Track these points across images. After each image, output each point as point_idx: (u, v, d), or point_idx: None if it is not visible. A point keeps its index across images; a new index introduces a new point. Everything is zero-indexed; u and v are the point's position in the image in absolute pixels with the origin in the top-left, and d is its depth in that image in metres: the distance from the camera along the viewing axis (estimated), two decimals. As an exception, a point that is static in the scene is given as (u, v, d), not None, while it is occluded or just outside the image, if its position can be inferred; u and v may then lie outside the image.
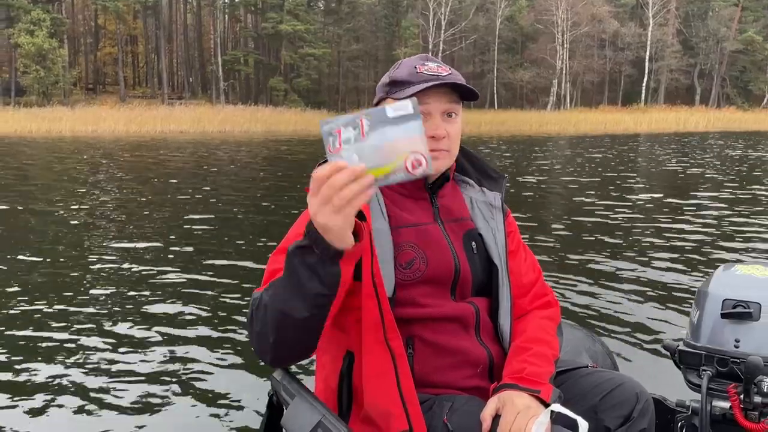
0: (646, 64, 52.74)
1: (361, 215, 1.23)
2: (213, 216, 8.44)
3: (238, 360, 3.58)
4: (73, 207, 9.26)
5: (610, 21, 53.36)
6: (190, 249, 6.46)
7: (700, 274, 5.28)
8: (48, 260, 5.92)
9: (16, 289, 4.91)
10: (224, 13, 57.85)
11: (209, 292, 4.87)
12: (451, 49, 53.19)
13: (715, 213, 8.66)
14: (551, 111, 48.36)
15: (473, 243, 1.48)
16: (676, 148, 23.18)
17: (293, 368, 1.40)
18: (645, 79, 52.81)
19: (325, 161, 1.05)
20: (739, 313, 1.57)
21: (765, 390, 1.45)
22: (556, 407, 1.22)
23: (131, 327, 4.10)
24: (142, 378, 3.34)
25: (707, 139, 28.94)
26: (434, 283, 1.41)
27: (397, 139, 1.00)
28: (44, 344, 3.80)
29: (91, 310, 4.45)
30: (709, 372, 1.57)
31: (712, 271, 1.77)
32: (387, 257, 1.35)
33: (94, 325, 4.12)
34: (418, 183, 1.45)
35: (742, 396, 1.50)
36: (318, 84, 53.86)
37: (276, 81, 50.18)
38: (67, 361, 3.54)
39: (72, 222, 8.14)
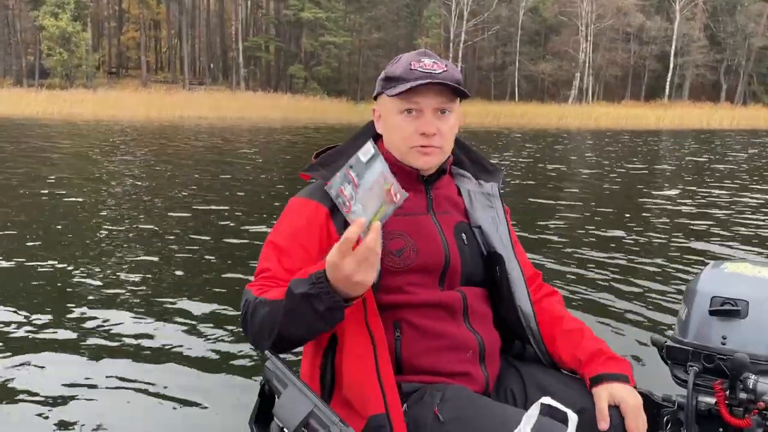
0: (671, 58, 51.90)
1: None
2: (213, 206, 8.49)
3: (231, 347, 3.57)
4: (85, 189, 9.39)
5: (636, 14, 52.56)
6: (191, 236, 6.52)
7: (691, 271, 5.24)
8: (58, 241, 6.02)
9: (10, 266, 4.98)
10: (246, 0, 57.97)
11: (207, 276, 4.91)
12: (473, 40, 52.78)
13: (712, 210, 8.59)
14: (572, 104, 47.88)
15: (464, 234, 1.51)
16: (695, 145, 22.86)
17: (286, 357, 1.42)
18: (669, 75, 51.99)
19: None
20: (726, 310, 1.57)
21: (750, 387, 1.46)
22: (547, 400, 1.23)
23: (126, 312, 4.11)
24: (131, 363, 3.35)
25: (728, 137, 28.49)
26: (423, 272, 1.43)
27: (376, 179, 1.16)
28: (37, 332, 3.86)
29: (84, 291, 4.50)
30: (695, 368, 1.57)
31: (702, 268, 1.77)
32: None
33: (87, 308, 4.16)
34: (414, 174, 1.47)
35: (727, 392, 1.50)
36: (338, 72, 53.81)
37: (296, 68, 50.25)
38: (53, 345, 3.57)
39: (83, 204, 8.24)
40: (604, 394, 1.37)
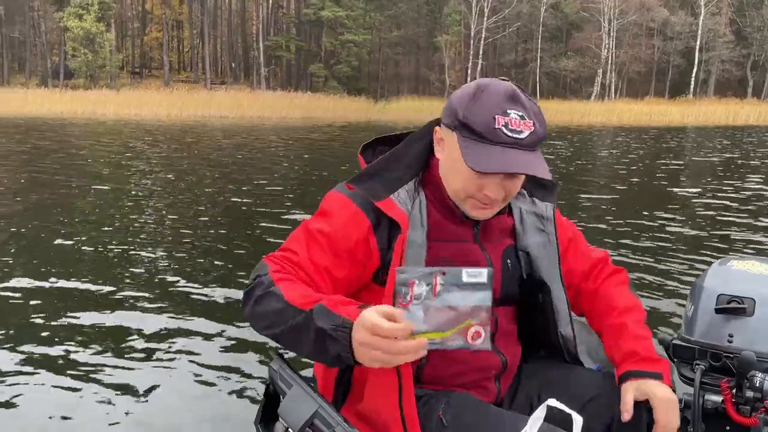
0: (696, 54, 51.03)
1: (396, 226, 1.31)
2: (223, 206, 8.54)
3: (238, 347, 3.57)
4: (105, 187, 9.51)
5: (660, 9, 51.79)
6: (203, 234, 6.56)
7: (698, 268, 5.16)
8: (77, 234, 6.11)
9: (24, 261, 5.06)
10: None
11: (215, 274, 4.94)
12: (494, 37, 52.49)
13: (722, 207, 8.44)
14: (595, 101, 47.36)
15: (509, 261, 1.45)
16: (725, 142, 22.46)
17: (291, 357, 1.43)
18: (694, 70, 51.13)
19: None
20: (733, 308, 1.56)
21: (757, 385, 1.46)
22: (552, 402, 1.22)
23: (132, 311, 4.13)
24: (136, 359, 3.37)
25: (754, 133, 27.95)
26: None
27: (465, 306, 1.03)
28: (49, 321, 3.91)
29: (92, 287, 4.55)
30: (702, 366, 1.57)
31: (708, 266, 1.75)
32: None
33: (94, 306, 4.20)
34: (461, 212, 1.38)
35: (734, 390, 1.50)
36: (358, 71, 53.88)
37: (316, 67, 50.44)
38: (56, 336, 3.61)
39: (101, 201, 8.35)
40: (629, 388, 1.34)
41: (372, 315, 1.04)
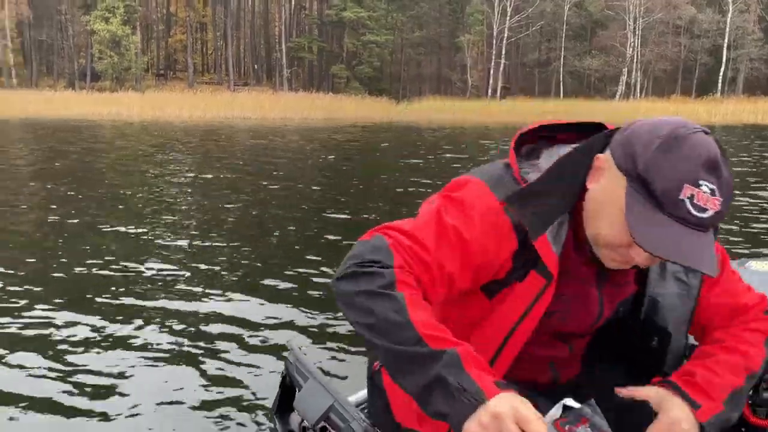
0: (724, 52, 50.07)
1: (540, 263, 1.14)
2: (250, 203, 8.53)
3: (255, 337, 3.61)
4: (126, 189, 9.58)
5: (687, 7, 50.95)
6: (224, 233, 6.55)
7: None
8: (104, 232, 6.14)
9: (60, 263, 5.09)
10: (289, 1, 58.62)
11: (229, 269, 4.92)
12: (517, 36, 52.13)
13: (754, 207, 8.20)
14: (620, 100, 46.73)
15: (621, 308, 1.30)
16: (748, 140, 21.95)
17: (307, 350, 1.38)
18: (722, 69, 50.16)
19: None
20: None
21: None
22: (569, 401, 1.12)
23: (152, 303, 4.18)
24: (154, 347, 3.42)
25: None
26: (552, 336, 1.30)
27: None
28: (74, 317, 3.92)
29: (115, 286, 4.56)
30: None
31: None
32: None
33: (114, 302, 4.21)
34: (590, 253, 1.18)
35: (750, 393, 1.44)
36: (380, 71, 53.92)
37: (338, 68, 50.60)
38: (78, 334, 3.63)
39: (127, 200, 8.41)
40: (652, 390, 1.20)
41: (526, 409, 0.93)
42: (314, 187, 10.06)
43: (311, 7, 59.79)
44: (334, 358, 3.30)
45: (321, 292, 4.40)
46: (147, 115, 31.67)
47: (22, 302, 4.16)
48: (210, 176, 11.02)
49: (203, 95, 40.10)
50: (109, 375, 3.11)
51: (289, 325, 3.80)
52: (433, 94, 49.78)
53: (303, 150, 16.85)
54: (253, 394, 2.94)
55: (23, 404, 2.81)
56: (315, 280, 4.72)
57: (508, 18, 49.76)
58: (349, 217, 7.42)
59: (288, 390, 1.37)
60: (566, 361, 1.36)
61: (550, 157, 1.18)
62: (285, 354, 1.37)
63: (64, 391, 2.94)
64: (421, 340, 0.98)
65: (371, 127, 28.04)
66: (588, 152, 1.13)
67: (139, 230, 6.49)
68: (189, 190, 9.43)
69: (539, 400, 1.13)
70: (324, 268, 5.01)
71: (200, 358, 3.34)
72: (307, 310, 4.03)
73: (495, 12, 49.69)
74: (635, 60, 50.84)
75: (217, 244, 5.96)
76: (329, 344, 3.47)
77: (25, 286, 4.48)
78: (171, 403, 2.85)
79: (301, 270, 4.99)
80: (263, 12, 62.25)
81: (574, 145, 1.16)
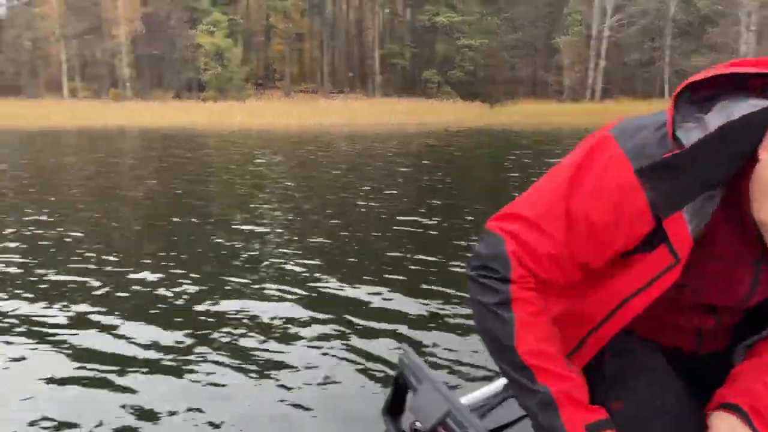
0: None
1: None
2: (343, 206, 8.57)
3: (369, 334, 3.67)
4: (248, 186, 9.92)
5: (809, -2, 46.96)
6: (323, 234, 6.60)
7: None
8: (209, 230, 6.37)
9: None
10: (383, 8, 59.33)
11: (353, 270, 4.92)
12: (617, 36, 50.01)
13: None
14: (731, 101, 43.68)
15: None
16: None
17: (419, 350, 1.33)
18: None
19: None
20: None
21: None
22: None
23: (273, 295, 4.35)
24: (270, 342, 3.53)
25: None
26: (700, 306, 1.15)
27: None
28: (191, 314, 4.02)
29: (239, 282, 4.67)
30: None
31: None
32: None
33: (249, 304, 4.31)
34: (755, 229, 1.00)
35: None
36: (472, 75, 53.41)
37: (430, 73, 50.60)
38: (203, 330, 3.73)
39: (252, 197, 8.71)
40: (723, 426, 1.03)
41: None
42: (413, 189, 10.01)
43: (404, 13, 60.21)
44: (446, 359, 3.26)
45: (432, 292, 4.41)
46: (247, 123, 33.02)
47: (166, 291, 4.44)
48: (312, 177, 11.25)
49: (299, 103, 41.34)
50: (212, 371, 3.17)
51: (402, 323, 3.81)
52: (527, 97, 48.71)
53: (400, 154, 16.90)
54: (364, 390, 2.96)
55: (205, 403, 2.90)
56: (426, 280, 4.72)
57: (608, 17, 47.86)
58: (456, 220, 7.40)
59: (400, 390, 1.37)
60: (713, 332, 1.19)
61: (723, 110, 0.96)
62: (399, 354, 1.33)
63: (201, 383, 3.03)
64: (525, 368, 1.00)
65: (465, 131, 27.79)
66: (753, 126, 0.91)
67: (259, 228, 6.81)
68: (293, 192, 9.68)
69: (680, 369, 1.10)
70: (433, 269, 5.05)
71: (310, 351, 3.41)
72: (419, 311, 4.02)
73: (594, 12, 47.93)
74: (749, 57, 47.43)
75: (328, 241, 6.17)
76: (442, 345, 3.43)
77: (173, 271, 4.86)
78: (278, 397, 2.90)
79: (412, 268, 5.07)
80: (357, 20, 63.37)
81: (763, 102, 0.94)
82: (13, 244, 5.96)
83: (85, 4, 49.69)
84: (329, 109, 37.81)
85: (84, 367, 3.21)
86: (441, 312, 3.97)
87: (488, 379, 2.74)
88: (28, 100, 44.31)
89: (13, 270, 5.05)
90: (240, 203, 8.74)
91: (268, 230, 6.78)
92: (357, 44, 62.61)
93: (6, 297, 4.36)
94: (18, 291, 4.49)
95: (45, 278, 4.82)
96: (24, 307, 4.14)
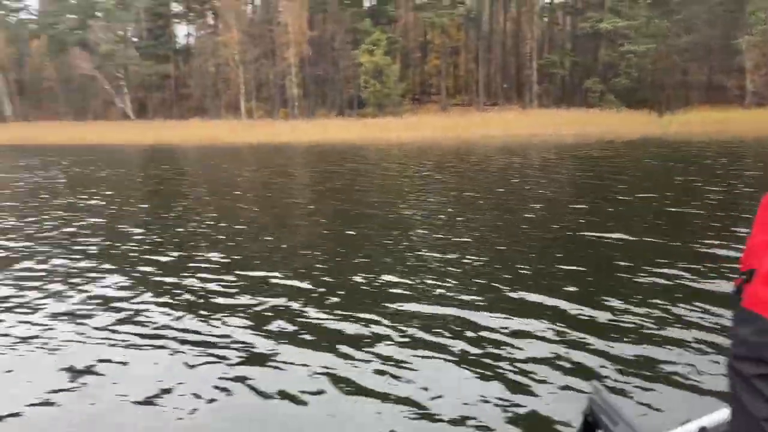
0: None
1: None
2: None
3: (557, 361, 3.63)
4: (407, 196, 10.28)
5: None
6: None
7: None
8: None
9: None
10: (542, 17, 57.93)
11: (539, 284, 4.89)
12: (812, 32, 44.32)
13: None
14: None
15: None
16: None
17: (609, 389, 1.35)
18: None
19: None
20: None
21: None
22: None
23: (437, 307, 4.46)
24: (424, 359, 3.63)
25: None
26: None
27: None
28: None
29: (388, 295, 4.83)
30: None
31: None
32: None
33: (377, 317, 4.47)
34: None
35: None
36: (638, 82, 50.20)
37: (592, 82, 48.39)
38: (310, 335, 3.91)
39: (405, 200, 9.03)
40: None
41: None
42: (573, 205, 9.68)
43: (564, 22, 58.28)
44: (639, 401, 3.08)
45: (618, 327, 4.15)
46: (404, 138, 33.88)
47: (317, 302, 4.70)
48: (466, 189, 11.29)
49: (454, 116, 41.63)
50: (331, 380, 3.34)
51: (592, 359, 3.64)
52: (702, 103, 44.75)
53: (558, 166, 16.39)
54: (552, 417, 2.97)
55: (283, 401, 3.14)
56: (609, 313, 4.44)
57: (801, 12, 42.62)
58: (621, 238, 6.98)
59: (589, 427, 1.35)
60: None
61: None
62: (588, 393, 1.33)
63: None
64: None
65: (631, 142, 26.11)
66: None
67: (402, 244, 6.90)
68: (450, 206, 9.77)
69: None
70: (610, 299, 4.74)
71: (496, 373, 3.49)
72: (609, 347, 3.83)
73: (783, 6, 42.93)
74: None
75: (487, 257, 6.16)
76: (633, 384, 3.26)
77: (320, 289, 5.18)
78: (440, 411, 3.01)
79: (588, 298, 4.79)
80: (514, 31, 62.45)
81: None
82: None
83: (261, 31, 54.24)
84: (483, 122, 37.62)
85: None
86: (633, 354, 3.68)
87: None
88: (212, 120, 49.31)
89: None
90: (435, 220, 8.93)
91: (468, 240, 6.96)
92: (513, 55, 61.65)
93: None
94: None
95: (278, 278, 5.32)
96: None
